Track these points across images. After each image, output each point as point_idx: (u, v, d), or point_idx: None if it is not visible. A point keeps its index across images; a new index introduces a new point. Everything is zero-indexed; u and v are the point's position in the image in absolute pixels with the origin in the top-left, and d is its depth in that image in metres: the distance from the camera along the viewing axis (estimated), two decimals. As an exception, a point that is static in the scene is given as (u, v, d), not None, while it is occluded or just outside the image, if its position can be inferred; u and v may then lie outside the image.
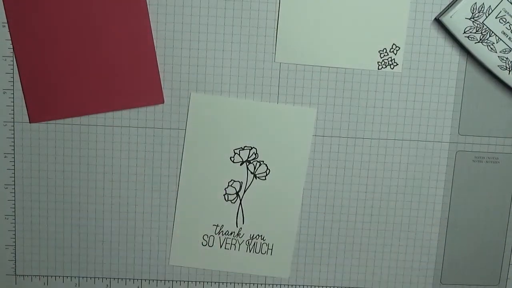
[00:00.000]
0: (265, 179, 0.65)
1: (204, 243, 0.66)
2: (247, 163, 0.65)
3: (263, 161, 0.65)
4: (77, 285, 0.68)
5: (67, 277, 0.67)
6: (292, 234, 0.66)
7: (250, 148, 0.65)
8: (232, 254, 0.67)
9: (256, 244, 0.66)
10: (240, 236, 0.66)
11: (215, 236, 0.66)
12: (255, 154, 0.65)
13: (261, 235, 0.66)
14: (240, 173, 0.65)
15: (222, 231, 0.66)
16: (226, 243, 0.66)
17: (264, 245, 0.66)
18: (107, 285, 0.68)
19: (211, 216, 0.66)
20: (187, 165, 0.65)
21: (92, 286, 0.68)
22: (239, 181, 0.66)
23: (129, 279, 0.68)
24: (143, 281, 0.68)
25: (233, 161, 0.65)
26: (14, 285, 0.67)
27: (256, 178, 0.65)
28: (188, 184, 0.65)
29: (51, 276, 0.67)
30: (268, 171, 0.65)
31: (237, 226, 0.66)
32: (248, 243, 0.66)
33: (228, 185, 0.66)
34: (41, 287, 0.67)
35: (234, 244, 0.66)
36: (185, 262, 0.67)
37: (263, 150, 0.65)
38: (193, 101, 0.64)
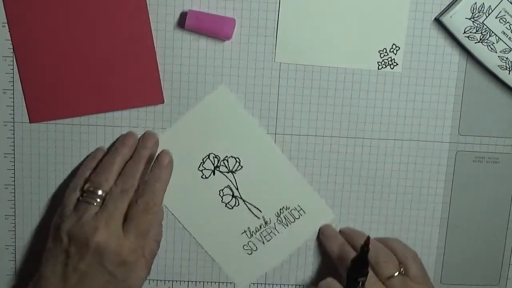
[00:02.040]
0: (242, 167, 0.65)
1: (250, 251, 0.66)
2: (217, 169, 0.65)
3: (226, 157, 0.65)
4: (77, 285, 0.68)
5: (67, 277, 0.67)
6: (306, 185, 0.66)
7: (207, 156, 0.65)
8: (277, 241, 0.66)
9: (287, 216, 0.66)
10: (269, 222, 0.66)
11: (252, 239, 0.66)
12: (215, 158, 0.65)
13: (284, 207, 0.66)
14: (220, 180, 0.65)
15: (253, 231, 0.66)
16: (264, 237, 0.66)
17: (294, 211, 0.66)
18: (107, 285, 0.68)
19: (234, 229, 0.66)
20: (175, 202, 0.65)
21: (92, 286, 0.68)
22: (226, 186, 0.65)
23: (129, 279, 0.68)
24: (143, 281, 0.68)
25: (206, 177, 0.65)
26: (14, 285, 0.67)
27: (236, 172, 0.65)
28: (188, 218, 0.66)
29: (51, 276, 0.67)
30: (238, 160, 0.65)
31: (259, 218, 0.66)
32: (280, 221, 0.66)
33: (222, 197, 0.66)
34: (41, 287, 0.67)
35: (270, 232, 0.66)
36: (247, 276, 0.67)
37: (218, 150, 0.65)
38: None
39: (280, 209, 0.66)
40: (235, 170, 0.65)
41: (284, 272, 0.68)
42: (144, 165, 0.62)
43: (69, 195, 0.62)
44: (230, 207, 0.66)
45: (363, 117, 0.65)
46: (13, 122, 0.64)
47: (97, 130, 0.65)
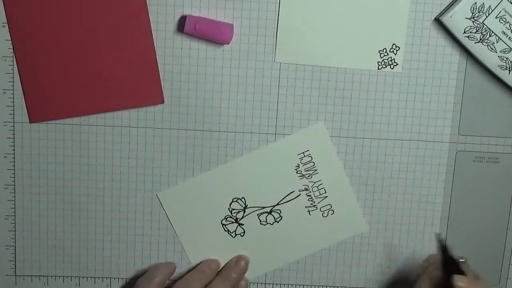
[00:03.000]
0: (247, 205, 0.66)
1: (326, 213, 0.66)
2: (238, 218, 0.66)
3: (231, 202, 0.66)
4: (77, 285, 0.68)
5: (67, 277, 0.67)
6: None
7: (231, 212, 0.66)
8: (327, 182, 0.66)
9: (306, 168, 0.65)
10: (307, 187, 0.66)
11: (317, 205, 0.66)
12: (234, 212, 0.66)
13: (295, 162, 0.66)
14: (250, 219, 0.66)
15: (311, 201, 0.66)
16: (321, 194, 0.66)
17: (305, 157, 0.66)
18: (107, 285, 0.68)
19: (301, 216, 0.67)
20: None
21: (92, 286, 0.68)
22: (263, 214, 0.66)
23: (129, 278, 0.68)
24: (143, 281, 0.68)
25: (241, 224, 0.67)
26: (14, 285, 0.67)
27: (246, 209, 0.66)
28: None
29: (51, 276, 0.67)
30: (243, 200, 0.66)
31: (299, 194, 0.66)
32: (305, 175, 0.66)
33: (265, 223, 0.66)
34: (41, 287, 0.67)
35: (319, 185, 0.66)
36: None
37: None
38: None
39: (295, 168, 0.66)
40: (246, 207, 0.66)
41: (284, 272, 0.68)
42: None
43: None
44: (271, 223, 0.67)
45: (363, 117, 0.65)
46: (13, 122, 0.64)
47: (97, 130, 0.65)
